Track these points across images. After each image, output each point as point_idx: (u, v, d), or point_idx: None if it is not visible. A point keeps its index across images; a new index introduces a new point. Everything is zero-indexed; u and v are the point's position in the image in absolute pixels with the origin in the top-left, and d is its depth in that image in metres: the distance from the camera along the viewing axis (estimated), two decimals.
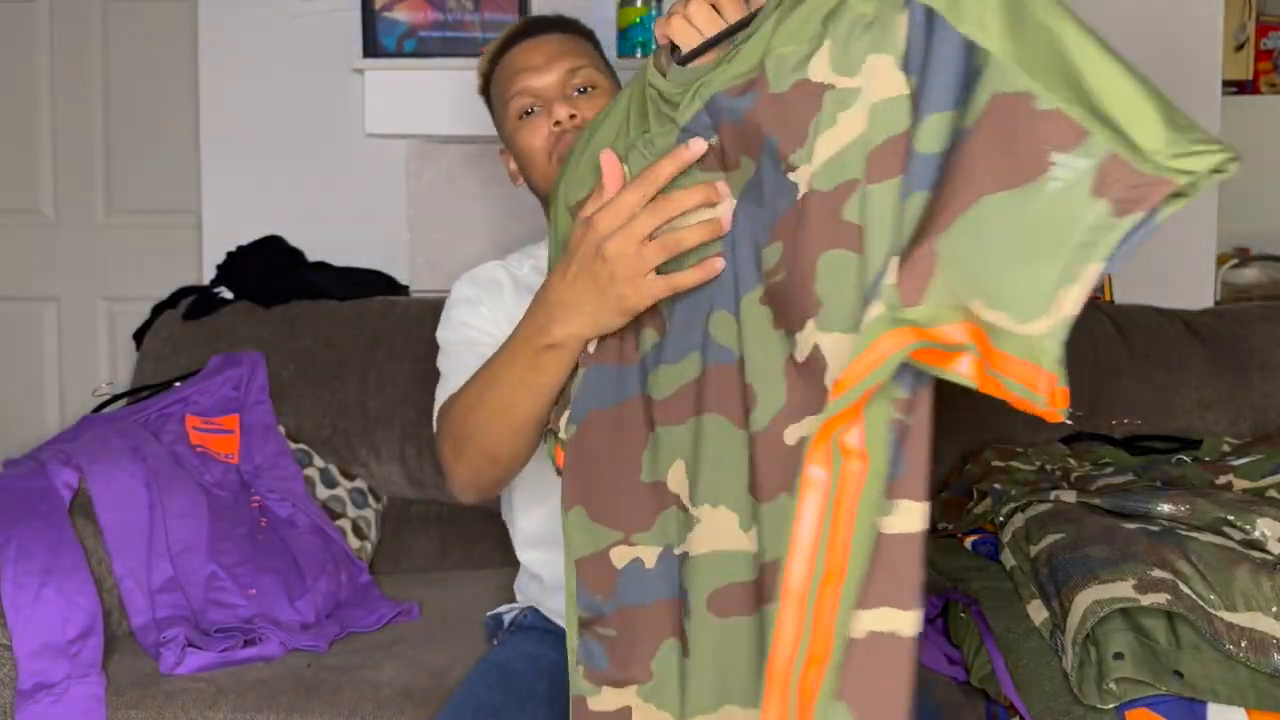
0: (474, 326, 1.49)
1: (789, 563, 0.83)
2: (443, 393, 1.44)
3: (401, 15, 2.39)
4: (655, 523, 1.05)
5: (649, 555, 1.05)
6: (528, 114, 1.46)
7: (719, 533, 0.98)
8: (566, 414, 1.13)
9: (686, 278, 1.00)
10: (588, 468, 1.09)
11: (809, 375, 0.88)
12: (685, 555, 1.01)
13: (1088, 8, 2.50)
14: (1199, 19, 2.40)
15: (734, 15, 1.01)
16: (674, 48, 1.05)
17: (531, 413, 1.18)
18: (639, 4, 2.34)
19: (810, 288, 0.86)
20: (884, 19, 0.82)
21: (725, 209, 0.98)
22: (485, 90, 1.56)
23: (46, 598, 1.60)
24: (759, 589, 0.94)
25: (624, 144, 1.09)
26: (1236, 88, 3.19)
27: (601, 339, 1.10)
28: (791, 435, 0.90)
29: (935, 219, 0.76)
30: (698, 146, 0.98)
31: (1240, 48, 3.18)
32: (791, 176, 0.89)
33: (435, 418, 1.40)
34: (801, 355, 0.88)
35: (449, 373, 1.45)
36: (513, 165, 1.54)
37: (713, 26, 1.01)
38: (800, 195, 0.88)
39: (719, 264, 0.98)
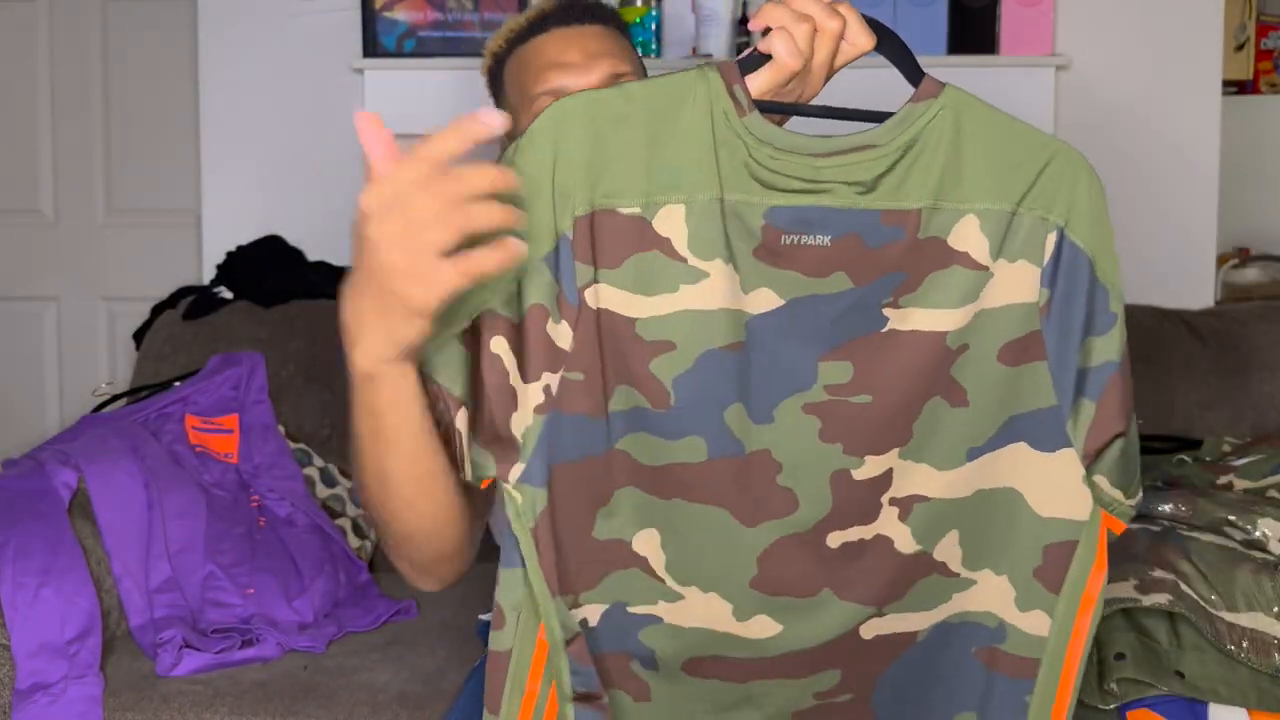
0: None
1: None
2: None
3: (401, 15, 2.39)
4: (602, 580, 0.99)
5: (593, 614, 1.00)
6: None
7: (712, 617, 0.99)
8: (519, 467, 0.95)
9: (484, 259, 0.82)
10: (554, 542, 0.97)
11: (866, 491, 0.97)
12: (652, 619, 1.00)
13: (1088, 8, 2.51)
14: (1199, 19, 2.40)
15: (825, 46, 0.98)
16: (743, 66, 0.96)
17: (399, 467, 0.95)
18: (639, 4, 2.34)
19: (907, 422, 0.96)
20: (1040, 226, 0.96)
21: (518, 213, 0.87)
22: (494, 72, 1.36)
23: (45, 598, 1.60)
24: (758, 668, 1.00)
25: (680, 185, 0.94)
26: (1236, 88, 3.19)
27: (564, 383, 0.95)
28: (834, 540, 0.98)
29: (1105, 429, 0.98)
30: (491, 120, 0.83)
31: (1240, 48, 3.18)
32: (887, 311, 0.95)
33: None
34: (863, 475, 0.96)
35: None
36: None
37: (799, 50, 0.97)
38: (887, 329, 0.95)
39: (520, 247, 0.84)
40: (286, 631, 1.73)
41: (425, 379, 0.93)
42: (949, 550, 1.00)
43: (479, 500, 1.08)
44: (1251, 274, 3.01)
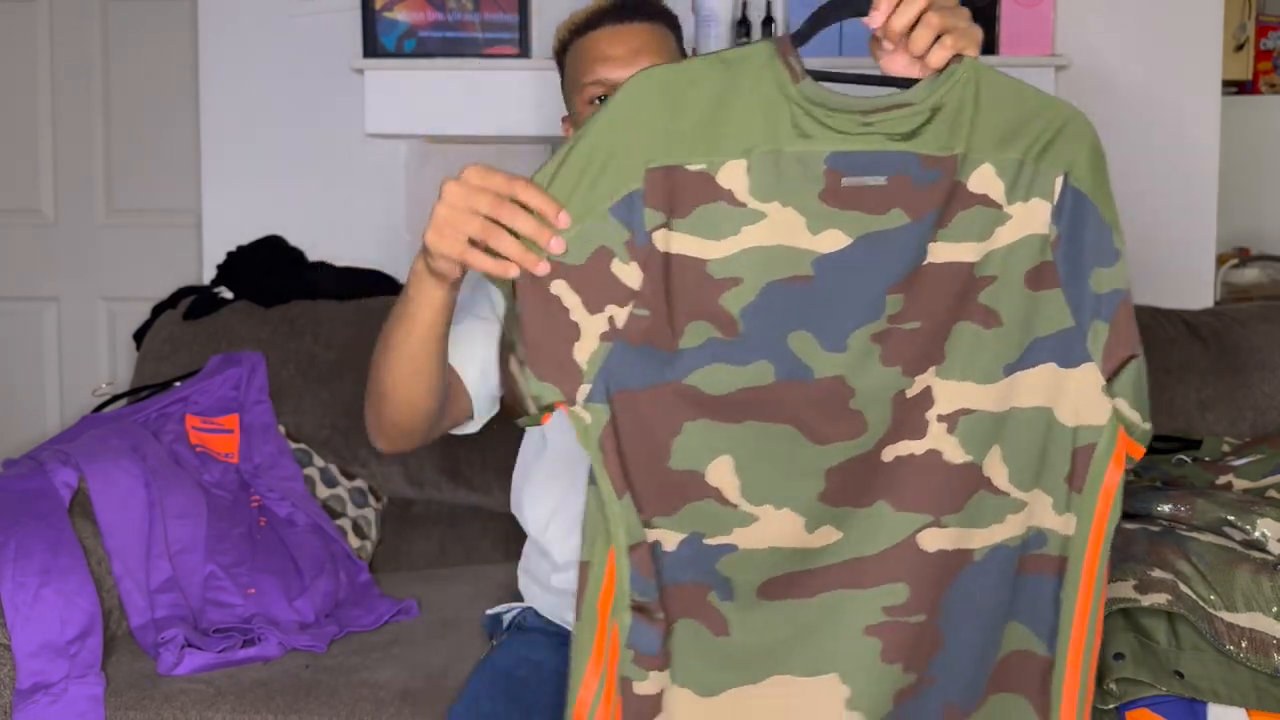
0: (474, 297, 1.47)
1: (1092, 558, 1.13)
2: None
3: (401, 15, 2.39)
4: (679, 510, 1.12)
5: (669, 539, 1.12)
6: (600, 100, 1.46)
7: (781, 533, 1.12)
8: (585, 388, 1.11)
9: (478, 260, 1.07)
10: (618, 453, 1.11)
11: (912, 409, 1.11)
12: (728, 547, 1.12)
13: (1088, 9, 2.51)
14: (1199, 19, 2.40)
15: (919, 47, 1.10)
16: (794, 42, 1.12)
17: (407, 344, 1.22)
18: None
19: (940, 343, 1.10)
20: (1047, 173, 1.11)
21: (543, 263, 1.07)
22: (559, 57, 1.56)
23: (45, 598, 1.60)
24: (824, 578, 1.12)
25: (741, 144, 1.09)
26: (1236, 88, 3.19)
27: (633, 318, 1.10)
28: (888, 454, 1.12)
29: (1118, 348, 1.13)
30: (564, 219, 1.07)
31: (1240, 48, 3.18)
32: (929, 245, 1.09)
33: None
34: (911, 393, 1.10)
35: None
36: (568, 135, 1.54)
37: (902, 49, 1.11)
38: (927, 261, 1.10)
39: (513, 270, 1.07)
40: (287, 631, 1.73)
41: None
42: (995, 465, 1.13)
43: (448, 414, 1.35)
44: (1251, 274, 3.01)
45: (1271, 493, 1.65)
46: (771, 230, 1.09)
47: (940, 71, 1.09)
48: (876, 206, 1.08)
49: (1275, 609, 1.39)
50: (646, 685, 1.12)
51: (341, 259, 2.50)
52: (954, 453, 1.12)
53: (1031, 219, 1.11)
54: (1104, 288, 1.13)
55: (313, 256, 2.49)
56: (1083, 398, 1.13)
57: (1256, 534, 1.47)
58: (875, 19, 1.10)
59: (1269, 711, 1.36)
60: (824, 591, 1.12)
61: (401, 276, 2.52)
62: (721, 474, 1.11)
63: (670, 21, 1.53)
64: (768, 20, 2.36)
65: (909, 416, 1.11)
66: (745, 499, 1.11)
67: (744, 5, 2.37)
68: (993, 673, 1.16)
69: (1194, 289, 2.43)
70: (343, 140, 2.55)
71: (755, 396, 1.10)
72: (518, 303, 1.10)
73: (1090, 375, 1.12)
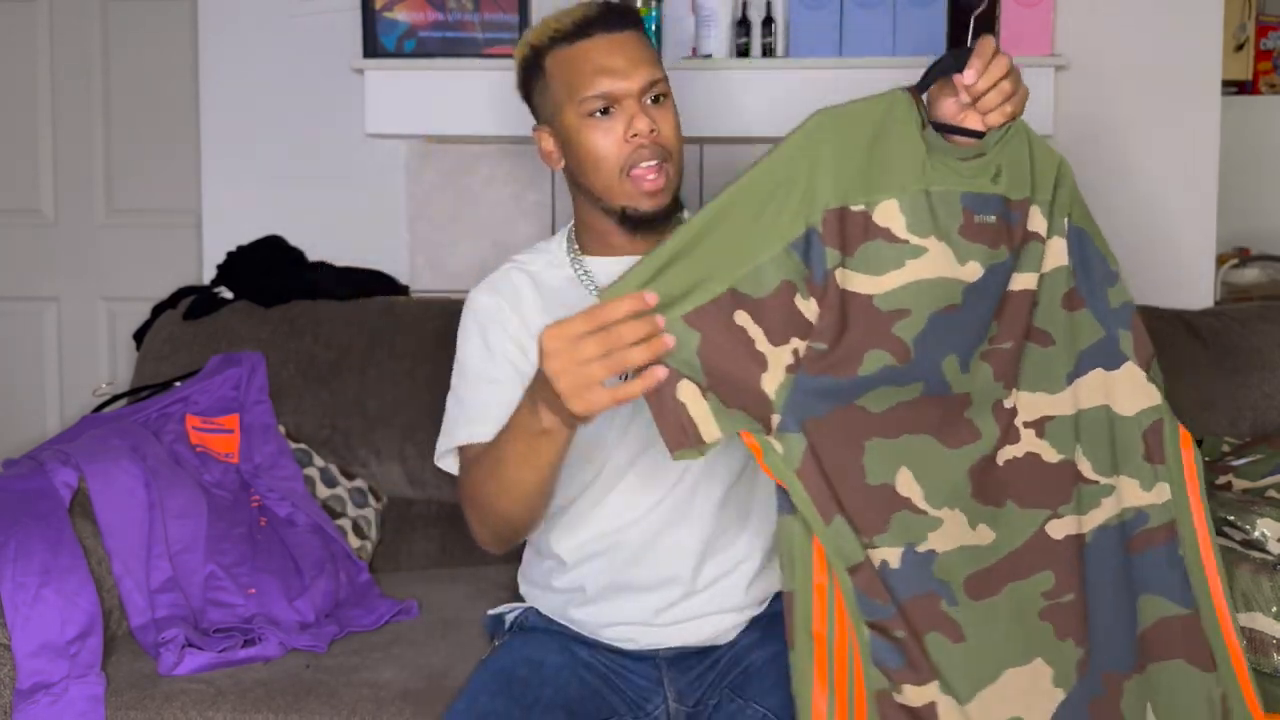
0: (490, 356, 1.49)
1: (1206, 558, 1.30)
2: (455, 427, 1.48)
3: (401, 15, 2.39)
4: (890, 524, 1.23)
5: (892, 556, 1.22)
6: (602, 113, 1.44)
7: (960, 531, 1.24)
8: (776, 418, 1.20)
9: (632, 389, 1.13)
10: (824, 478, 1.21)
11: (1008, 418, 1.28)
12: (932, 553, 1.24)
13: (1087, 9, 2.51)
14: (1199, 19, 2.40)
15: (1006, 110, 1.27)
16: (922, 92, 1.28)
17: (537, 486, 1.31)
18: (639, 4, 2.34)
19: (1019, 361, 1.28)
20: (1060, 213, 1.31)
21: (667, 339, 1.14)
22: (530, 61, 1.50)
23: (46, 598, 1.60)
24: (999, 572, 1.25)
25: (895, 183, 1.23)
26: (1236, 88, 3.19)
27: (810, 350, 1.21)
28: (1000, 458, 1.28)
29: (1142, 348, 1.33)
30: (651, 298, 1.13)
31: (1240, 48, 3.18)
32: (1012, 275, 1.28)
33: (457, 466, 1.49)
34: (1007, 404, 1.28)
35: (461, 401, 1.50)
36: (548, 144, 1.52)
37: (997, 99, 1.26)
38: (1008, 290, 1.28)
39: (661, 372, 1.13)
40: (288, 631, 1.73)
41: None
42: (1081, 460, 1.30)
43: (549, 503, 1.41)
44: (1251, 274, 3.01)
45: (1271, 492, 1.66)
46: (933, 263, 1.22)
47: (999, 127, 1.27)
48: (993, 241, 1.25)
49: (1274, 608, 1.39)
50: (908, 696, 1.20)
51: (341, 259, 2.50)
52: (1049, 454, 1.29)
53: (1059, 252, 1.30)
54: (1116, 302, 1.32)
55: (313, 256, 2.49)
56: (1132, 390, 1.31)
57: (1256, 534, 1.47)
58: (968, 76, 1.24)
59: (1270, 711, 1.36)
60: (1005, 585, 1.26)
61: (402, 276, 2.53)
62: (907, 484, 1.24)
63: (641, 22, 1.53)
64: (768, 20, 2.36)
65: (1007, 424, 1.28)
66: (929, 505, 1.24)
67: (744, 5, 2.37)
68: (1140, 645, 1.28)
69: (1194, 289, 2.43)
70: (343, 140, 2.55)
71: (905, 411, 1.24)
72: (694, 328, 1.17)
73: (1132, 372, 1.31)
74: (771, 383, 1.19)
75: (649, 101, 1.45)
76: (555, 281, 1.54)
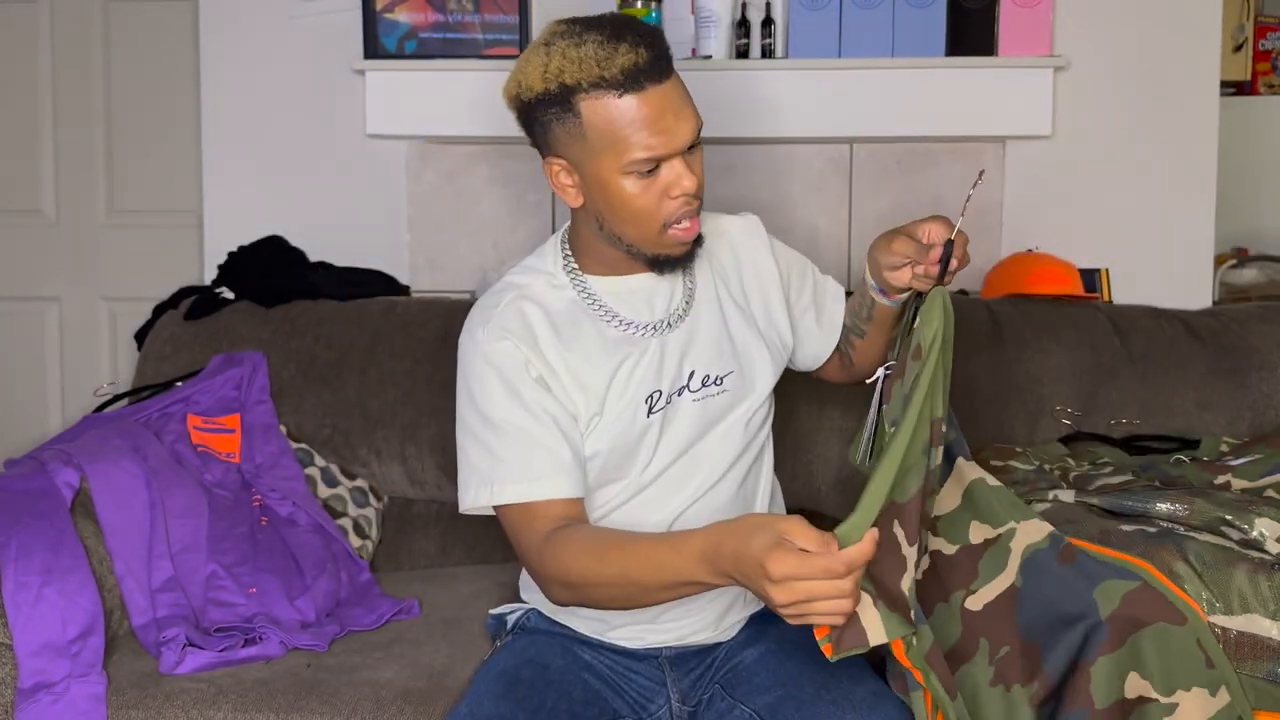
0: (523, 408, 1.42)
1: None
2: (494, 482, 1.41)
3: (402, 16, 2.39)
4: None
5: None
6: (647, 173, 1.37)
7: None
8: (911, 612, 1.27)
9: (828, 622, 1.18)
10: (941, 659, 1.36)
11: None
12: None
13: (1086, 9, 2.51)
14: (1197, 20, 2.40)
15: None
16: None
17: (660, 602, 1.33)
18: (639, 4, 2.35)
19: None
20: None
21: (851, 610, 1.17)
22: (561, 99, 1.35)
23: (47, 597, 1.60)
24: (953, 665, 1.42)
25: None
26: (1235, 88, 3.20)
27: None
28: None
29: None
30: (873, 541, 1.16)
31: (1239, 48, 3.19)
32: None
33: (507, 523, 1.43)
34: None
35: (495, 456, 1.41)
36: (567, 180, 1.42)
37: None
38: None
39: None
40: (289, 630, 1.73)
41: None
42: (979, 531, 1.46)
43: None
44: (1249, 274, 3.02)
45: (1270, 492, 1.66)
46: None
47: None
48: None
49: (1272, 608, 1.39)
50: None
51: (342, 259, 2.50)
52: (945, 547, 1.47)
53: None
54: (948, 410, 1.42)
55: (313, 257, 2.49)
56: (980, 469, 1.51)
57: (1254, 533, 1.47)
58: (954, 265, 1.40)
59: (1268, 711, 1.37)
60: (958, 670, 1.41)
61: (402, 277, 2.54)
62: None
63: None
64: (767, 21, 2.37)
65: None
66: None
67: (744, 6, 2.38)
68: (1110, 625, 1.35)
69: (1192, 289, 2.43)
70: (344, 141, 2.56)
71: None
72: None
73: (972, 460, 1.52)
74: (907, 582, 1.27)
75: (688, 150, 1.39)
76: (560, 304, 1.48)
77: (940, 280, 1.40)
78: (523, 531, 1.40)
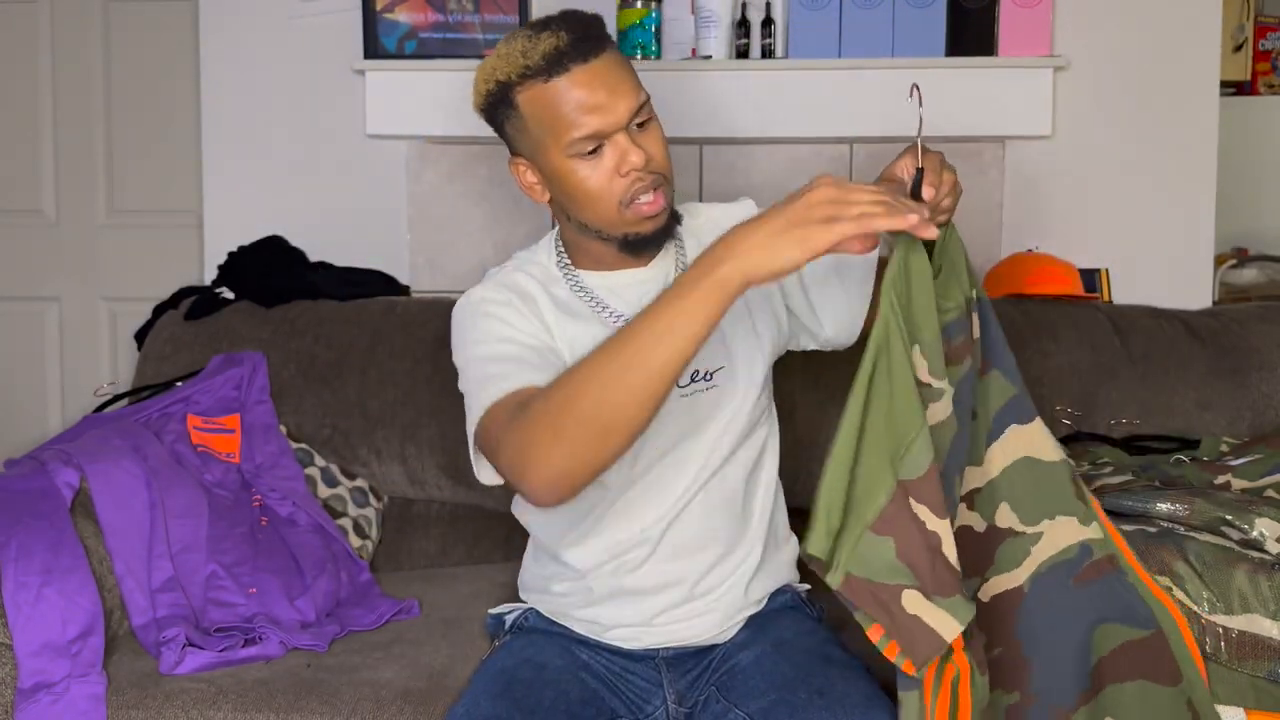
0: (508, 328, 1.41)
1: None
2: (493, 385, 1.34)
3: (402, 16, 2.39)
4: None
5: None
6: (591, 153, 1.37)
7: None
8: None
9: (851, 244, 1.12)
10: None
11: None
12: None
13: (1086, 9, 2.51)
14: (1197, 20, 2.40)
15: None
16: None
17: (669, 362, 1.17)
18: (639, 5, 2.35)
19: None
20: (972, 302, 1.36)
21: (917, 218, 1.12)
22: (498, 96, 1.40)
23: (47, 597, 1.60)
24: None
25: (926, 327, 1.25)
26: (1235, 88, 3.20)
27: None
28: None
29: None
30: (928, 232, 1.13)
31: (1239, 48, 3.19)
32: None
33: (487, 430, 1.32)
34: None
35: (488, 361, 1.37)
36: (531, 177, 1.44)
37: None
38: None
39: (913, 218, 1.12)
40: (289, 630, 1.73)
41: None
42: (1006, 516, 1.34)
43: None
44: (1249, 274, 3.02)
45: (1270, 492, 1.66)
46: (946, 402, 1.26)
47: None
48: (959, 357, 1.31)
49: (1272, 608, 1.39)
50: None
51: (342, 259, 2.50)
52: (978, 523, 1.34)
53: (975, 328, 1.34)
54: (1012, 362, 1.37)
55: (313, 257, 2.50)
56: (1045, 440, 1.36)
57: (1254, 533, 1.47)
58: (926, 194, 1.26)
59: (1268, 711, 1.37)
60: None
61: (402, 277, 2.54)
62: None
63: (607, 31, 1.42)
64: (767, 21, 2.37)
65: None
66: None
67: (744, 6, 2.38)
68: (1096, 671, 1.30)
69: (1192, 289, 2.43)
70: (344, 141, 2.56)
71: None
72: (884, 539, 1.17)
73: (1039, 424, 1.37)
74: (951, 553, 1.20)
75: (635, 127, 1.38)
76: (555, 291, 1.50)
77: None
78: (519, 413, 1.27)
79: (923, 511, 1.19)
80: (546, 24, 1.38)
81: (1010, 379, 1.35)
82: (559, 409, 1.21)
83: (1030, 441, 1.35)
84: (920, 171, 1.26)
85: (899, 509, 1.18)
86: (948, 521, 1.20)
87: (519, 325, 1.43)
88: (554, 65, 1.35)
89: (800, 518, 1.29)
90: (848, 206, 1.11)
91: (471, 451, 1.41)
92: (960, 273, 1.31)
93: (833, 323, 1.52)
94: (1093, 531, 1.34)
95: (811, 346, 1.59)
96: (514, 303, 1.45)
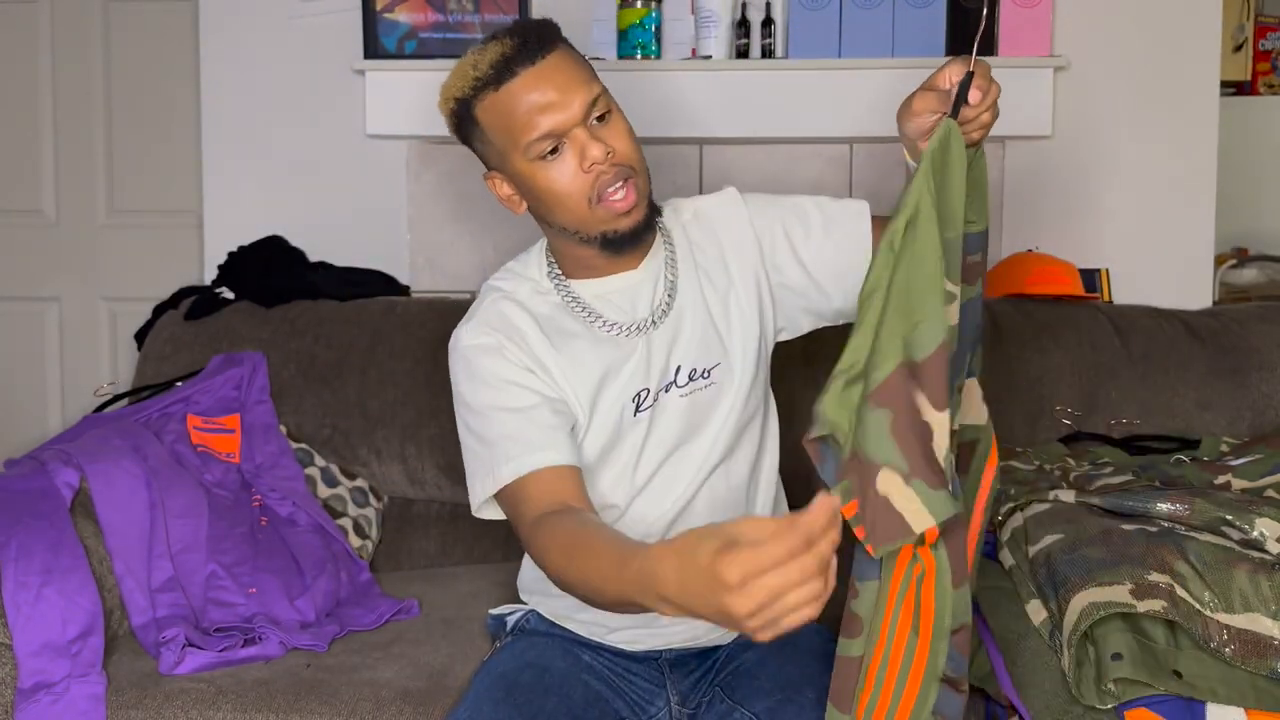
0: (499, 387, 1.41)
1: None
2: (492, 468, 1.37)
3: (402, 16, 2.39)
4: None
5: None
6: (551, 154, 1.37)
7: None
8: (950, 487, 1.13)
9: (794, 623, 0.93)
10: (962, 539, 1.19)
11: None
12: None
13: (1086, 10, 2.51)
14: (1197, 20, 2.40)
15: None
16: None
17: (627, 613, 1.18)
18: (639, 5, 2.35)
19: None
20: None
21: (825, 596, 0.92)
22: (460, 114, 1.41)
23: (47, 597, 1.60)
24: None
25: (951, 225, 1.21)
26: (1235, 88, 3.20)
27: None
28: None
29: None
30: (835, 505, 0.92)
31: (1239, 48, 3.19)
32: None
33: (503, 499, 1.37)
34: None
35: (485, 441, 1.39)
36: (505, 189, 1.44)
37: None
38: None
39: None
40: (289, 630, 1.73)
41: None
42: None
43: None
44: (1249, 274, 3.02)
45: (1270, 492, 1.66)
46: (954, 309, 1.20)
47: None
48: (972, 277, 1.28)
49: (1273, 608, 1.39)
50: None
51: (342, 259, 2.50)
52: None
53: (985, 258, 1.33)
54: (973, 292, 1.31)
55: (313, 257, 2.50)
56: (970, 404, 1.32)
57: (1255, 533, 1.47)
58: (973, 98, 1.28)
59: (1268, 711, 1.36)
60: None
61: (402, 277, 2.54)
62: None
63: (567, 41, 1.41)
64: (767, 21, 2.37)
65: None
66: None
67: (744, 6, 2.38)
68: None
69: (1192, 289, 2.43)
70: (343, 141, 2.56)
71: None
72: (882, 409, 1.08)
73: (973, 386, 1.33)
74: (941, 448, 1.10)
75: (595, 122, 1.37)
76: (545, 309, 1.48)
77: (954, 114, 1.25)
78: (515, 514, 1.37)
79: (921, 399, 1.10)
80: (494, 35, 1.39)
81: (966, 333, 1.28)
82: (557, 578, 1.26)
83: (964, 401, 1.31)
84: (970, 76, 1.27)
85: (900, 384, 1.09)
86: (945, 416, 1.11)
87: (511, 377, 1.42)
88: (502, 72, 1.35)
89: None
90: (779, 616, 0.91)
91: (472, 496, 1.42)
92: (983, 200, 1.27)
93: (842, 293, 1.49)
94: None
95: (811, 328, 1.56)
96: (504, 347, 1.43)
